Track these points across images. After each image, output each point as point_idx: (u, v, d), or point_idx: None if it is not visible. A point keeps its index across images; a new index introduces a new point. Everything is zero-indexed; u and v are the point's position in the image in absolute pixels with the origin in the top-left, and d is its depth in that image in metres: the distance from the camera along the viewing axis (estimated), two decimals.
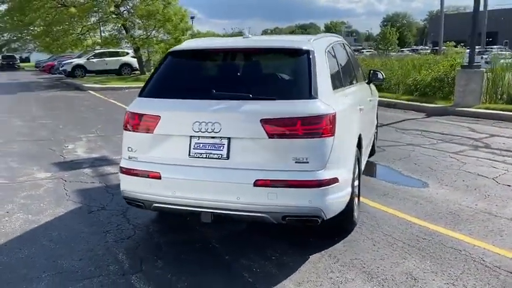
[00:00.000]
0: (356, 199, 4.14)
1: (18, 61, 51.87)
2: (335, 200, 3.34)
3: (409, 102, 12.14)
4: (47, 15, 24.45)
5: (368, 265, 3.37)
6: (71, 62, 28.60)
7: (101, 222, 4.30)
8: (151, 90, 3.68)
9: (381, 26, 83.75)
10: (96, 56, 28.75)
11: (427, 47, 61.09)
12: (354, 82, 4.85)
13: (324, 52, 3.76)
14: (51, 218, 4.44)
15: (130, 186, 3.62)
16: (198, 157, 3.34)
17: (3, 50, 38.90)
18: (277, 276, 3.23)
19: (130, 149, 3.61)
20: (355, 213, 3.99)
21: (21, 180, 5.79)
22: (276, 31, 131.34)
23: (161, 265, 3.44)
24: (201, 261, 3.50)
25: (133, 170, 3.56)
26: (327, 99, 3.35)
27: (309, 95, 3.29)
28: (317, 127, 3.20)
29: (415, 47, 69.55)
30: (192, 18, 66.51)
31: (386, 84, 14.58)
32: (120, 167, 3.69)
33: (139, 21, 25.59)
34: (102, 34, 28.46)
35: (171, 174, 3.40)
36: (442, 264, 3.35)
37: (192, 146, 3.36)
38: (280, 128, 3.18)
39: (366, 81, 5.83)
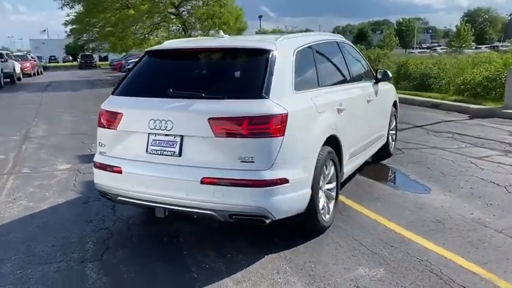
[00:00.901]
0: (332, 202, 4.06)
1: (95, 60, 55.61)
2: (285, 201, 3.31)
3: (454, 103, 11.39)
4: (111, 16, 26.00)
5: (318, 269, 3.30)
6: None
7: (89, 212, 4.58)
8: (121, 89, 3.85)
9: (460, 22, 79.29)
10: None
11: (508, 44, 56.65)
12: (344, 82, 4.71)
13: (291, 52, 3.72)
14: (48, 206, 4.80)
15: (101, 179, 3.84)
16: (154, 153, 3.47)
17: (84, 49, 42.12)
18: (221, 274, 3.27)
19: (101, 144, 3.82)
20: (328, 216, 3.92)
21: (41, 170, 6.29)
22: (347, 28, 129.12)
23: (120, 256, 3.61)
24: (160, 255, 3.62)
25: (103, 164, 3.77)
26: (280, 100, 3.32)
27: (259, 94, 3.28)
28: (263, 127, 3.19)
29: (497, 43, 64.75)
30: (260, 17, 66.80)
31: (437, 84, 13.89)
32: (94, 162, 3.91)
33: (197, 23, 26.37)
34: (163, 34, 29.67)
35: (130, 169, 3.56)
36: (395, 274, 3.19)
37: (149, 143, 3.50)
38: (226, 127, 3.21)
39: (374, 81, 5.63)
